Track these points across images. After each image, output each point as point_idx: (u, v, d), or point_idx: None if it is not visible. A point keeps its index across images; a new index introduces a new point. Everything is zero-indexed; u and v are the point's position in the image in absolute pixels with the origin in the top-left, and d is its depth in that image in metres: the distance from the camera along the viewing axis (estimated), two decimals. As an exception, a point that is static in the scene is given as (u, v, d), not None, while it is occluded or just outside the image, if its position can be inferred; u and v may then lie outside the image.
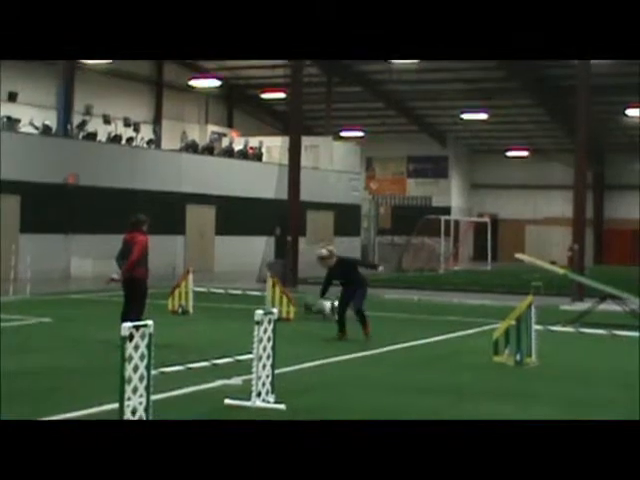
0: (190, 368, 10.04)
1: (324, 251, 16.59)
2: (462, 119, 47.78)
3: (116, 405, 8.35)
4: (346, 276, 16.51)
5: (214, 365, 12.19)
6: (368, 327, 16.17)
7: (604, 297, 19.22)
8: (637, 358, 14.95)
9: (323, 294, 16.98)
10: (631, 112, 43.84)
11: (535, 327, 14.11)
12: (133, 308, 14.18)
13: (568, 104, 36.47)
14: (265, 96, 46.06)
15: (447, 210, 50.89)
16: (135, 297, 14.33)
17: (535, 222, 53.16)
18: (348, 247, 43.72)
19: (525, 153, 53.04)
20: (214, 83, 42.67)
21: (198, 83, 41.98)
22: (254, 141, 40.78)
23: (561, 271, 20.41)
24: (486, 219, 48.40)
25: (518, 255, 21.04)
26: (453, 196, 53.56)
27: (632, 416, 9.80)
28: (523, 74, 41.04)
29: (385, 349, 15.23)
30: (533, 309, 14.10)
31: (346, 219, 43.72)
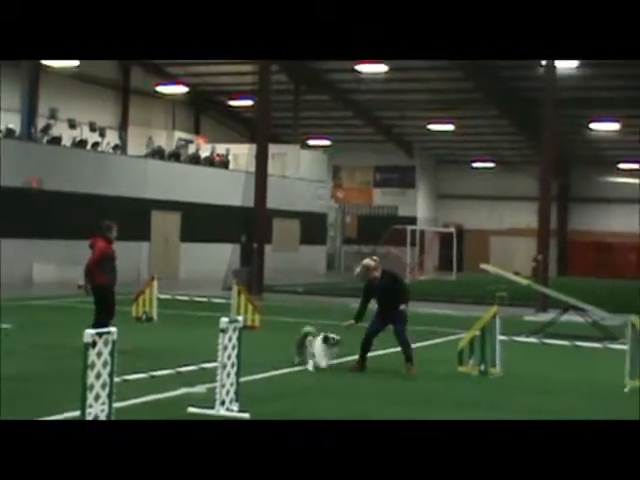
0: (153, 376, 9.97)
1: (372, 262, 14.27)
2: (429, 129, 47.96)
3: (78, 413, 8.24)
4: (390, 293, 13.89)
5: (178, 373, 12.12)
6: (413, 366, 13.63)
7: (567, 308, 19.32)
8: (599, 369, 15.05)
9: (360, 317, 14.19)
10: (595, 125, 44.25)
11: (499, 337, 14.14)
12: (98, 315, 14.06)
13: (534, 116, 36.72)
14: (233, 103, 46.00)
15: (413, 220, 51.01)
16: (99, 304, 14.20)
17: (500, 233, 53.41)
18: (314, 256, 43.78)
19: (491, 164, 53.33)
20: (181, 89, 42.54)
21: (165, 89, 41.82)
22: (221, 148, 40.67)
23: (525, 282, 20.50)
24: (452, 229, 48.57)
25: (483, 265, 21.11)
26: (419, 206, 53.70)
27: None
28: (490, 85, 41.25)
29: (351, 357, 15.18)
30: (498, 319, 14.13)
31: (312, 227, 43.71)
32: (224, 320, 10.05)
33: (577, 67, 34.60)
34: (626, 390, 12.78)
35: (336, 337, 13.82)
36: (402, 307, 13.74)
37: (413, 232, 44.75)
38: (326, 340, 13.81)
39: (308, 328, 14.38)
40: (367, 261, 14.37)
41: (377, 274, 14.07)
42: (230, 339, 10.07)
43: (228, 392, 10.06)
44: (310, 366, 13.56)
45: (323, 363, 13.67)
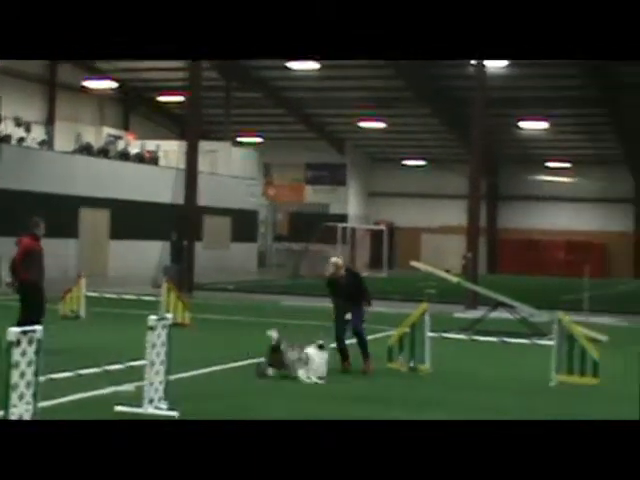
0: (81, 374, 9.83)
1: (340, 260, 14.38)
2: (360, 127, 48.14)
3: (1, 413, 8.07)
4: (354, 290, 13.95)
5: (106, 371, 11.96)
6: (370, 361, 13.70)
7: (496, 305, 19.52)
8: (526, 365, 15.23)
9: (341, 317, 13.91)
10: (524, 124, 44.84)
11: (429, 334, 14.23)
12: (23, 313, 13.82)
13: (463, 114, 37.08)
14: (162, 99, 45.64)
15: (344, 217, 51.18)
16: (24, 301, 13.97)
17: (431, 230, 53.84)
18: (245, 253, 43.66)
19: (422, 162, 53.72)
20: (110, 84, 42.04)
21: (93, 84, 41.30)
22: (151, 144, 40.31)
23: (455, 279, 20.66)
24: (383, 227, 48.81)
25: (413, 263, 21.24)
26: (351, 204, 53.88)
27: (521, 418, 9.91)
28: (421, 84, 41.54)
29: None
30: (427, 316, 14.21)
31: (243, 225, 43.57)
32: (153, 318, 9.96)
33: (506, 66, 35.01)
34: (552, 385, 12.95)
35: (321, 341, 13.19)
36: (368, 306, 14.03)
37: (344, 230, 44.91)
38: (321, 347, 13.04)
39: (273, 334, 13.30)
40: (336, 260, 14.38)
41: (342, 272, 14.07)
42: (159, 337, 9.97)
43: (157, 390, 9.96)
44: (305, 376, 12.66)
45: (324, 372, 12.85)
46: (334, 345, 13.64)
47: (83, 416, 9.50)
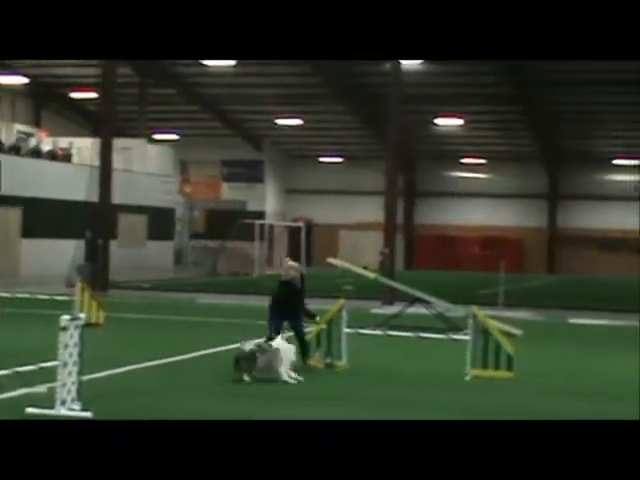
0: (-10, 376, 9.58)
1: (298, 264, 14.44)
2: (277, 124, 48.06)
3: None
4: (298, 298, 13.93)
5: (17, 373, 11.70)
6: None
7: (413, 301, 19.65)
8: (442, 360, 15.35)
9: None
10: (440, 121, 45.27)
11: (346, 330, 14.23)
12: None
13: (380, 112, 37.27)
14: (75, 95, 44.93)
15: (262, 214, 51.04)
16: None
17: (348, 227, 54.02)
18: (161, 251, 43.27)
19: (339, 159, 53.87)
20: (20, 80, 41.24)
21: (3, 79, 40.46)
22: (64, 142, 39.64)
23: (372, 275, 20.73)
24: (300, 224, 48.81)
25: (331, 259, 21.26)
26: (268, 201, 53.77)
27: (438, 416, 9.98)
28: (336, 81, 41.63)
29: (198, 353, 15.02)
30: (344, 312, 14.22)
31: (159, 222, 43.16)
32: (65, 318, 9.76)
33: (422, 63, 35.27)
34: (467, 379, 13.06)
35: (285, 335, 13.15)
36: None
37: (262, 226, 44.77)
38: (288, 341, 12.97)
39: (249, 345, 12.74)
40: (297, 265, 14.37)
41: (298, 276, 14.05)
42: (71, 337, 9.77)
43: (69, 391, 9.77)
44: (287, 375, 12.38)
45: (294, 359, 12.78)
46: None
47: (-8, 419, 9.28)
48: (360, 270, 20.63)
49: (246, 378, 12.23)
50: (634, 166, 50.07)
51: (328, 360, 13.83)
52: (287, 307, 13.70)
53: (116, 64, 30.80)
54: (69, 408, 9.73)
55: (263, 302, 25.07)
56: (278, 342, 12.65)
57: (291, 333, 13.51)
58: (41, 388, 10.91)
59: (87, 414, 9.62)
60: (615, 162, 50.28)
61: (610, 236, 50.64)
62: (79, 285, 19.10)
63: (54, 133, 41.93)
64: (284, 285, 13.95)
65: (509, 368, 13.12)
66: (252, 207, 52.69)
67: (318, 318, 13.93)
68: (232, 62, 37.31)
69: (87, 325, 10.36)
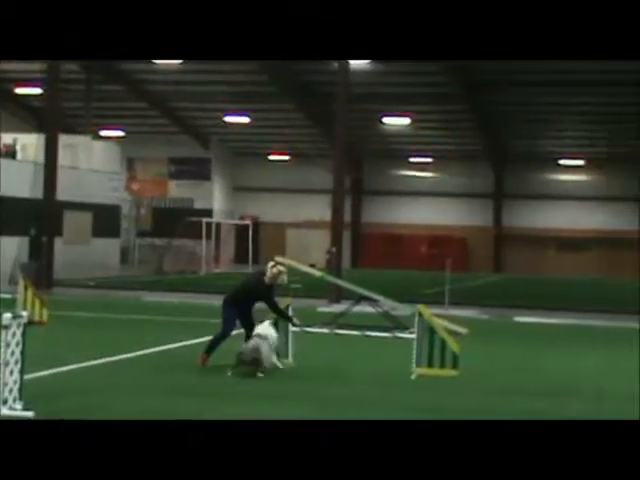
0: None
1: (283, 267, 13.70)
2: (225, 122, 47.90)
3: None
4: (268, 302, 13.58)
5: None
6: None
7: (360, 299, 19.68)
8: (388, 358, 15.41)
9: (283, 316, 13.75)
10: (387, 120, 45.43)
11: (292, 328, 14.21)
12: None
13: (327, 110, 37.29)
14: (19, 91, 44.38)
15: (209, 212, 50.85)
16: None
17: (296, 225, 54.02)
18: (107, 248, 42.88)
19: (287, 157, 53.85)
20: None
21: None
22: (8, 138, 39.09)
23: (318, 273, 20.76)
24: (248, 222, 48.72)
25: (277, 258, 21.20)
26: (215, 198, 53.57)
27: (384, 414, 10.00)
28: (284, 79, 41.59)
29: (143, 352, 14.92)
30: (290, 311, 14.20)
31: (105, 220, 42.74)
32: (7, 316, 9.63)
33: (369, 62, 35.36)
34: (413, 377, 13.12)
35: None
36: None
37: (209, 224, 44.61)
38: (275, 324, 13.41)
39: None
40: (280, 268, 13.70)
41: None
42: (14, 335, 9.64)
43: (11, 391, 9.64)
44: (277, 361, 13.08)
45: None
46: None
47: None
48: (307, 268, 20.64)
49: (259, 374, 12.51)
50: (579, 166, 50.74)
51: (274, 358, 13.80)
52: (249, 306, 13.48)
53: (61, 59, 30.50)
54: (11, 407, 9.61)
55: (209, 300, 25.02)
56: (264, 327, 13.02)
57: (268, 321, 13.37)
58: (-18, 387, 10.74)
59: (29, 414, 9.51)
60: (561, 162, 50.85)
61: (555, 235, 51.23)
62: (22, 283, 18.87)
63: (-2, 129, 41.37)
64: (265, 287, 13.42)
65: (454, 366, 13.19)
66: (199, 205, 52.48)
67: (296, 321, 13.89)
68: (178, 59, 37.11)
69: (30, 323, 10.22)
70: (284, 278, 13.56)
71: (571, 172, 51.40)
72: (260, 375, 12.47)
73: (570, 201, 51.08)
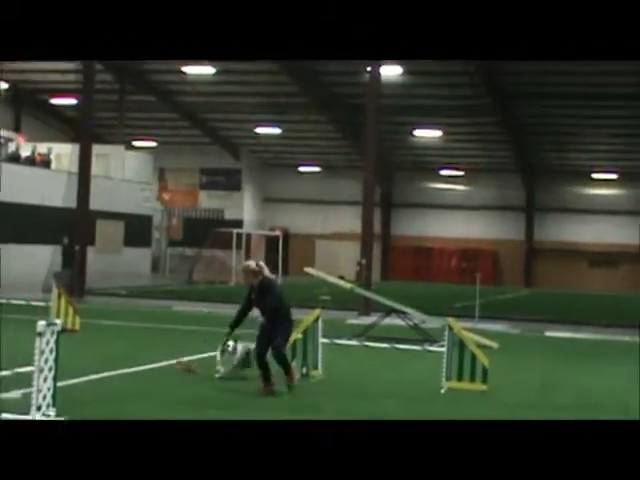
0: (-36, 382, 9.54)
1: (252, 263, 12.95)
2: (256, 133, 48.09)
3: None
4: (272, 303, 12.44)
5: (-9, 378, 11.65)
6: (293, 375, 12.75)
7: (389, 311, 19.68)
8: (418, 371, 15.40)
9: (235, 325, 12.93)
10: (418, 132, 45.42)
11: (322, 340, 14.26)
12: None
13: (359, 122, 37.36)
14: (55, 101, 44.82)
15: (239, 223, 51.02)
16: None
17: (325, 237, 54.07)
18: (138, 258, 43.17)
19: (317, 169, 53.94)
20: (0, 85, 41.07)
21: (-17, 85, 40.32)
22: (43, 147, 39.48)
23: (348, 285, 20.76)
24: (278, 233, 48.82)
25: (307, 269, 21.27)
26: (245, 209, 53.76)
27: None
28: (316, 90, 41.71)
29: (173, 361, 15.00)
30: (320, 322, 14.25)
31: (137, 229, 43.04)
32: (41, 323, 9.74)
33: (401, 74, 35.41)
34: (442, 391, 13.11)
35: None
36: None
37: (239, 235, 44.73)
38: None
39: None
40: (247, 262, 13.26)
41: (256, 280, 12.73)
42: (48, 343, 9.76)
43: (45, 397, 9.76)
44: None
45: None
46: None
47: (-33, 425, 9.25)
48: (336, 280, 20.67)
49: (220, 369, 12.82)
50: (611, 180, 50.43)
51: (304, 370, 13.85)
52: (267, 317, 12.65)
53: (96, 70, 30.80)
54: (44, 414, 9.71)
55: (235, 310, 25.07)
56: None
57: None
58: (16, 394, 10.88)
59: (62, 420, 9.61)
60: (593, 176, 50.56)
61: (586, 250, 50.91)
62: (55, 291, 19.05)
63: (33, 138, 41.76)
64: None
65: (484, 380, 13.17)
66: (229, 215, 52.69)
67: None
68: (212, 70, 37.34)
69: (63, 331, 10.34)
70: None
71: (604, 186, 51.10)
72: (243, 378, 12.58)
73: (602, 215, 50.76)
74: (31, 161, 37.89)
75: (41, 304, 20.65)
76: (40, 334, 9.68)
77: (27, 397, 9.92)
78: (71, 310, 18.64)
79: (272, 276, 12.85)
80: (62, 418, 9.64)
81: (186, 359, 15.16)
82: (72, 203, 29.67)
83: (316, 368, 13.98)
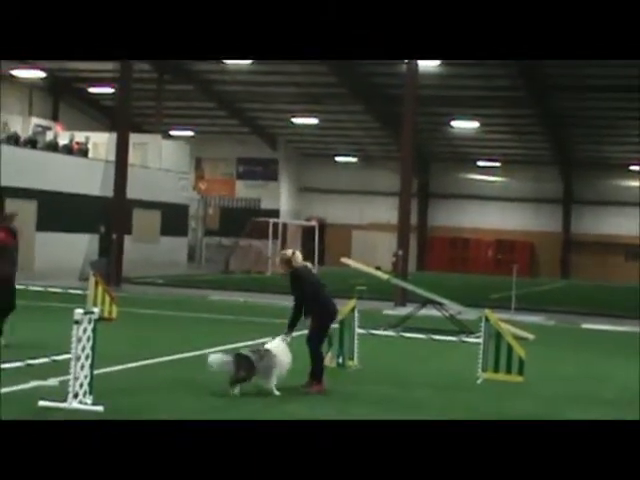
0: (3, 369, 9.62)
1: (286, 252, 12.45)
2: (293, 123, 48.08)
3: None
4: (299, 295, 11.99)
5: (28, 365, 11.75)
6: (318, 383, 11.84)
7: (425, 302, 19.64)
8: (454, 361, 15.35)
9: (292, 324, 11.91)
10: (455, 123, 45.21)
11: (358, 330, 14.26)
12: None
13: (396, 113, 37.25)
14: (93, 90, 45.07)
15: (276, 213, 51.09)
16: None
17: (361, 227, 54.02)
18: (175, 247, 43.36)
19: (354, 159, 53.86)
20: (38, 74, 41.37)
21: (21, 73, 40.59)
22: (80, 136, 39.71)
23: (385, 276, 20.74)
24: (314, 223, 48.83)
25: (344, 259, 21.26)
26: (282, 199, 53.80)
27: (445, 415, 9.98)
28: (353, 81, 41.63)
29: (209, 350, 15.03)
30: (356, 313, 14.24)
31: (173, 219, 43.22)
32: (79, 311, 9.80)
33: (439, 65, 35.23)
34: (479, 382, 13.06)
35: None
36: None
37: (275, 225, 44.80)
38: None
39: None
40: (284, 252, 12.70)
41: (288, 269, 12.21)
42: (85, 331, 9.81)
43: (82, 385, 9.81)
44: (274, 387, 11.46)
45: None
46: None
47: (5, 411, 9.31)
48: (373, 270, 20.64)
49: (235, 392, 11.14)
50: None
51: (340, 360, 13.84)
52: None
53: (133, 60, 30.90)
54: (81, 402, 9.77)
55: (276, 300, 25.10)
56: (275, 344, 11.65)
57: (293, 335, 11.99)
58: (53, 381, 10.96)
59: (98, 408, 9.66)
60: (631, 168, 50.08)
61: (623, 242, 50.47)
62: (92, 279, 19.17)
63: (71, 127, 42.07)
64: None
65: (520, 372, 13.10)
66: (266, 205, 52.76)
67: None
68: (249, 60, 37.39)
69: (100, 319, 10.40)
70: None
71: (642, 178, 50.61)
72: (235, 393, 11.09)
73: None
74: (69, 150, 38.16)
75: (78, 292, 20.78)
76: (77, 322, 9.74)
77: (64, 385, 9.97)
78: (108, 298, 18.75)
79: (305, 266, 12.22)
80: (99, 407, 9.70)
81: (222, 348, 15.19)
82: (109, 192, 29.82)
83: (352, 358, 13.97)
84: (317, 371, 11.89)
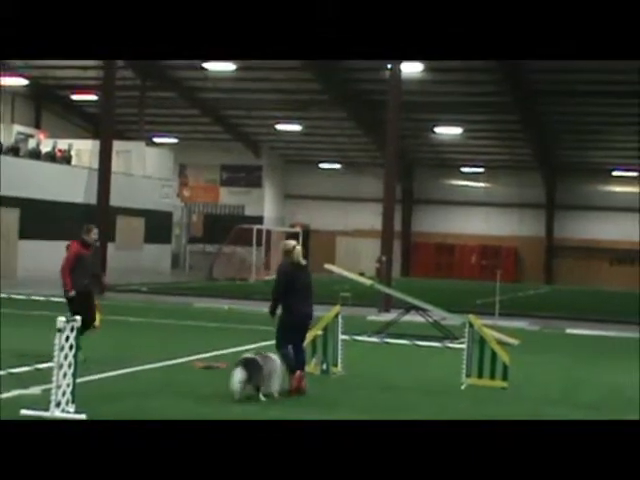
0: (-16, 377, 9.55)
1: (291, 243, 12.43)
2: (276, 129, 48.09)
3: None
4: (275, 290, 12.15)
5: (10, 374, 11.67)
6: (297, 379, 11.90)
7: (409, 308, 19.64)
8: (438, 367, 15.35)
9: (273, 310, 12.09)
10: (439, 129, 45.30)
11: (342, 337, 14.23)
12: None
13: (379, 119, 37.30)
14: (75, 97, 44.96)
15: (260, 219, 51.07)
16: (75, 308, 13.50)
17: (346, 234, 54.03)
18: (159, 254, 43.25)
19: (338, 165, 53.90)
20: (20, 82, 41.23)
21: (3, 81, 40.42)
22: (63, 143, 39.60)
23: (368, 282, 20.73)
24: (298, 229, 48.81)
25: (327, 266, 21.25)
26: (266, 206, 53.78)
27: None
28: (336, 87, 41.65)
29: (193, 357, 15.00)
30: (340, 319, 14.22)
31: (157, 226, 43.13)
32: (61, 319, 9.74)
33: (422, 71, 35.30)
34: (463, 387, 13.05)
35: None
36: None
37: (259, 232, 44.75)
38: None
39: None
40: (287, 242, 12.70)
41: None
42: (67, 339, 9.76)
43: (64, 393, 9.75)
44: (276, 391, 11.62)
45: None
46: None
47: (-14, 420, 9.26)
48: (356, 277, 20.63)
49: (262, 397, 11.27)
50: (632, 177, 50.11)
51: (324, 366, 13.82)
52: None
53: (117, 66, 30.84)
54: (63, 410, 9.71)
55: (260, 307, 25.04)
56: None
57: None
58: (36, 390, 10.90)
59: (81, 416, 9.60)
60: (614, 173, 50.29)
61: (607, 247, 50.66)
62: (75, 287, 19.03)
63: (54, 135, 41.91)
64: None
65: (504, 378, 13.10)
66: (250, 212, 52.74)
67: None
68: (232, 67, 37.35)
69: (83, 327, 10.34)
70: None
71: (624, 183, 50.80)
72: (262, 398, 11.24)
73: (623, 213, 50.41)
74: (52, 157, 38.02)
75: (61, 300, 20.65)
76: (60, 330, 9.68)
77: (47, 394, 9.91)
78: (91, 306, 18.62)
79: (297, 264, 12.19)
80: (82, 415, 9.64)
81: (207, 355, 15.17)
82: (93, 199, 29.74)
83: (336, 365, 13.95)
84: (290, 367, 11.96)
